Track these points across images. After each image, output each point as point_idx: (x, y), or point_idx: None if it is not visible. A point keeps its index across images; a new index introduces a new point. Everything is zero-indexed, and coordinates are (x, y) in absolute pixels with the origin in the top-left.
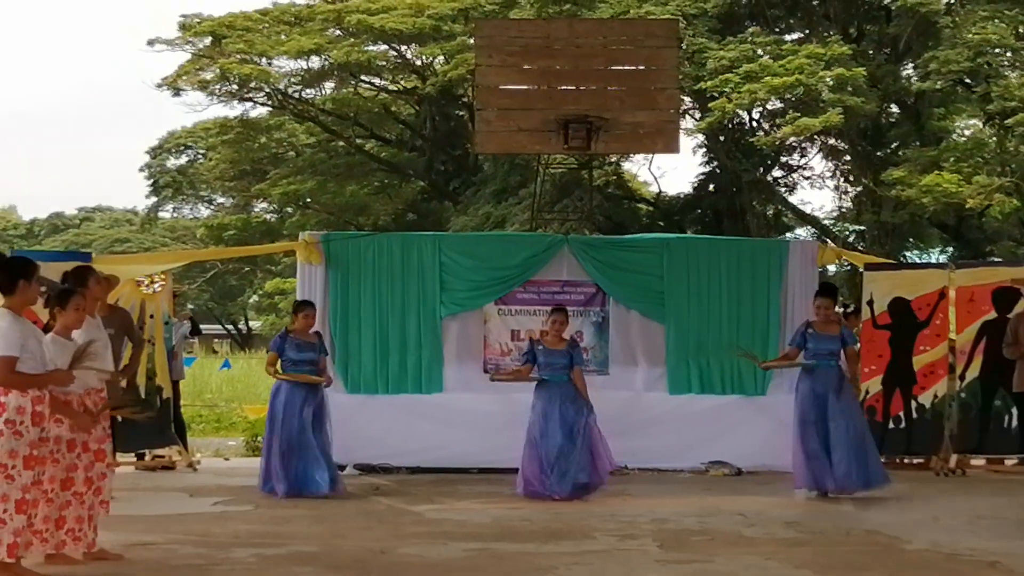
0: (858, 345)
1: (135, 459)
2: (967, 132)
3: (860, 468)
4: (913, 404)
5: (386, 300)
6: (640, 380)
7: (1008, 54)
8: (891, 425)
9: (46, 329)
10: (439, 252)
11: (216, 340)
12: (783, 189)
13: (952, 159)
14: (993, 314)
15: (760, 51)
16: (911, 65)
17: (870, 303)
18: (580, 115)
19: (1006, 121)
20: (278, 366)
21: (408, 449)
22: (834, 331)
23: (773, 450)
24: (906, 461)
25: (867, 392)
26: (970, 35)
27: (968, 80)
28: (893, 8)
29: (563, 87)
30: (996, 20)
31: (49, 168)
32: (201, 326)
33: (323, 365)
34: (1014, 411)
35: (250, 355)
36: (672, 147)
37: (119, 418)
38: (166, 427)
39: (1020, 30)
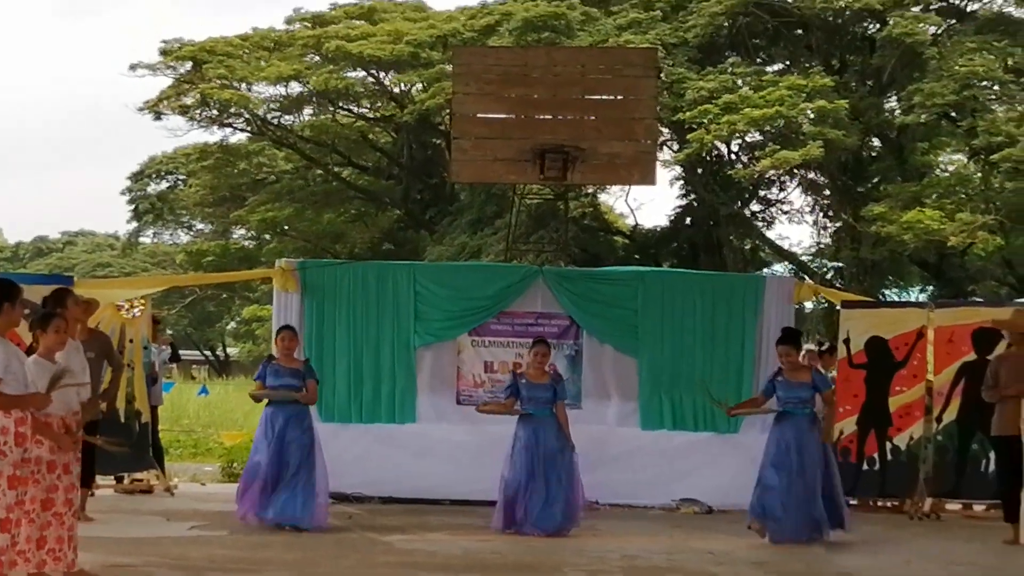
0: (832, 387)
1: (114, 482)
2: (951, 167)
3: (805, 521)
4: (888, 445)
5: (361, 329)
6: (612, 415)
7: (995, 87)
8: (865, 466)
9: (29, 351)
10: (414, 282)
11: (194, 366)
12: (761, 223)
13: (935, 195)
14: (973, 355)
15: (740, 82)
16: (895, 97)
17: (846, 341)
18: (557, 145)
19: (991, 156)
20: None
21: (381, 479)
22: (804, 378)
23: (744, 488)
24: (879, 503)
25: (841, 432)
26: (956, 67)
27: (953, 113)
28: (878, 39)
29: (540, 116)
30: (984, 52)
31: (34, 192)
32: (180, 352)
33: (310, 390)
34: (991, 455)
35: (227, 381)
36: (649, 179)
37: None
38: (145, 451)
39: (1009, 62)
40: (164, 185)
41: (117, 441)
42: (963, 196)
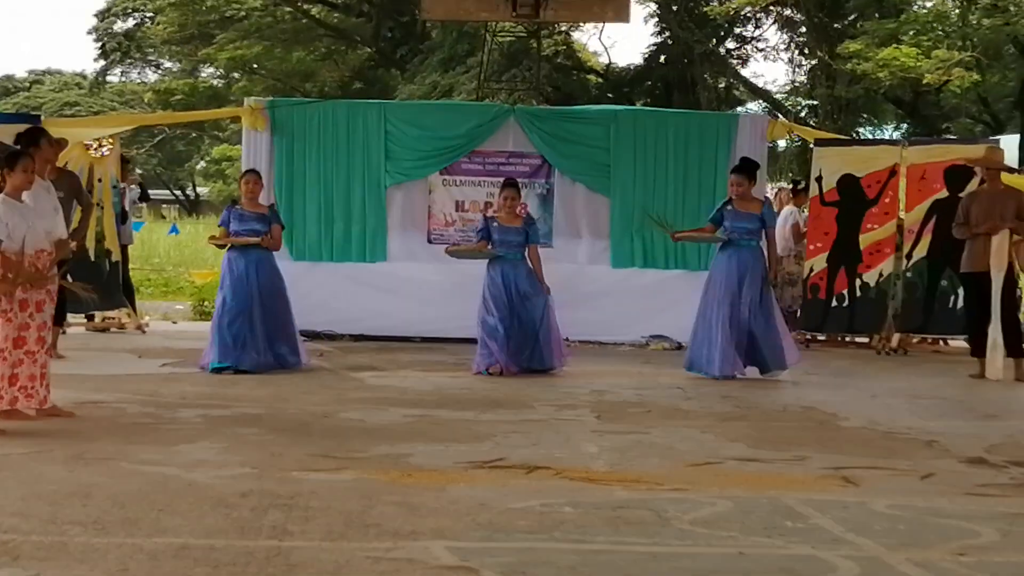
0: (791, 226)
1: (84, 320)
2: (928, 4)
3: (749, 353)
4: (858, 282)
5: (331, 168)
6: (583, 253)
7: None
8: (834, 303)
9: None
10: (384, 120)
11: (164, 206)
12: (736, 62)
13: (912, 32)
14: (944, 193)
15: None
16: None
17: (819, 179)
18: None
19: None
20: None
21: (352, 317)
22: (754, 209)
23: None
24: (848, 340)
25: (811, 269)
26: None
27: None
28: None
29: None
30: None
31: None
32: (149, 191)
33: (274, 235)
34: (959, 292)
35: (197, 220)
36: (622, 16)
37: (70, 280)
38: (115, 290)
39: None
40: (131, 23)
41: (85, 286)
42: (940, 33)
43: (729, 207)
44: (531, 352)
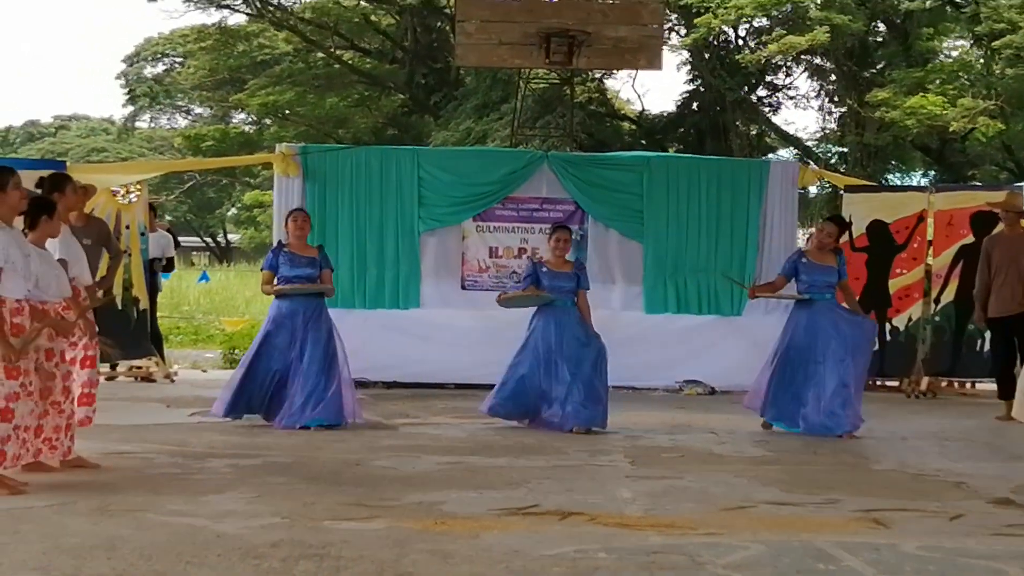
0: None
1: (109, 369)
2: (954, 53)
3: (834, 413)
4: (887, 327)
5: (364, 214)
6: (617, 298)
7: None
8: None
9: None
10: (418, 167)
11: (195, 253)
12: (767, 109)
13: (938, 81)
14: (971, 238)
15: None
16: None
17: (849, 225)
18: (562, 29)
19: (994, 43)
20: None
21: (385, 364)
22: (830, 261)
23: (747, 370)
24: (878, 383)
25: None
26: None
27: (957, 0)
28: None
29: None
30: None
31: (24, 75)
32: (180, 238)
33: (325, 280)
34: (986, 335)
35: (228, 268)
36: (655, 63)
37: (97, 329)
38: (143, 338)
39: None
40: (160, 68)
41: (106, 340)
42: (965, 82)
43: (804, 260)
44: (581, 406)
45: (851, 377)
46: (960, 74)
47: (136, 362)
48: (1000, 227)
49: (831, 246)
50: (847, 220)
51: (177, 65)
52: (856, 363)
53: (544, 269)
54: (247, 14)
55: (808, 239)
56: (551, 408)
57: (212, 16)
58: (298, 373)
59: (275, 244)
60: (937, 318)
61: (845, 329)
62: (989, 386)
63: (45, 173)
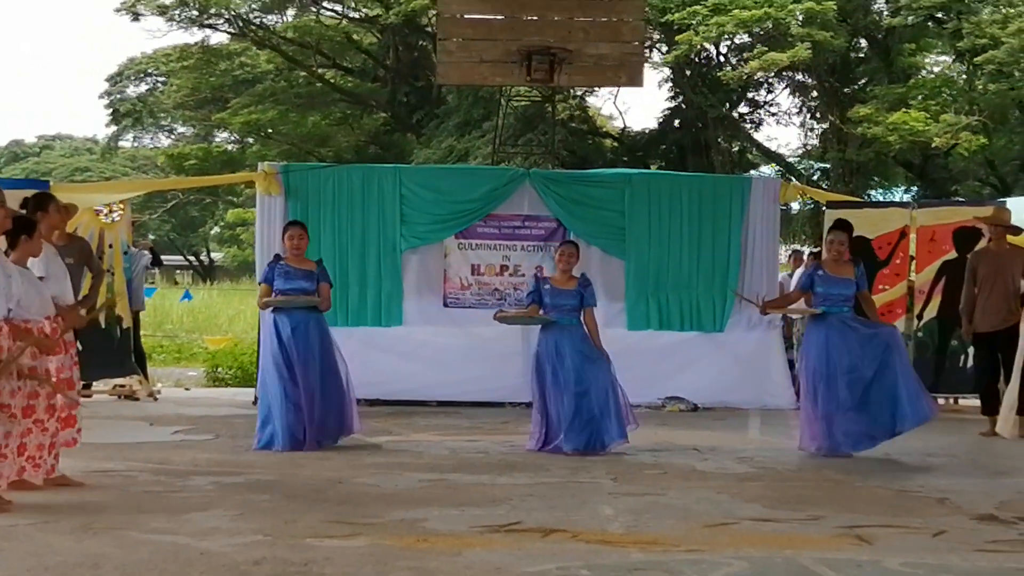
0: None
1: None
2: (936, 69)
3: (911, 403)
4: None
5: (346, 232)
6: (600, 315)
7: None
8: None
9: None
10: (400, 184)
11: (178, 271)
12: (749, 125)
13: (920, 96)
14: (954, 254)
15: None
16: None
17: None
18: (543, 46)
19: (976, 59)
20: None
21: (367, 381)
22: (848, 273)
23: (729, 386)
24: None
25: None
26: None
27: (940, 15)
28: None
29: (527, 17)
30: None
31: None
32: (163, 257)
33: (323, 294)
34: (969, 351)
35: (211, 286)
36: (636, 80)
37: (79, 347)
38: (126, 357)
39: None
40: (143, 87)
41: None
42: (948, 98)
43: (820, 272)
44: (595, 428)
45: (901, 374)
46: (942, 90)
47: (119, 380)
48: (984, 242)
49: (846, 255)
50: (849, 223)
51: (160, 84)
52: (898, 366)
53: (547, 286)
54: (229, 33)
55: (790, 257)
56: (563, 431)
57: (194, 35)
58: (300, 392)
59: (272, 257)
60: (920, 334)
61: (866, 336)
62: (972, 402)
63: (29, 193)
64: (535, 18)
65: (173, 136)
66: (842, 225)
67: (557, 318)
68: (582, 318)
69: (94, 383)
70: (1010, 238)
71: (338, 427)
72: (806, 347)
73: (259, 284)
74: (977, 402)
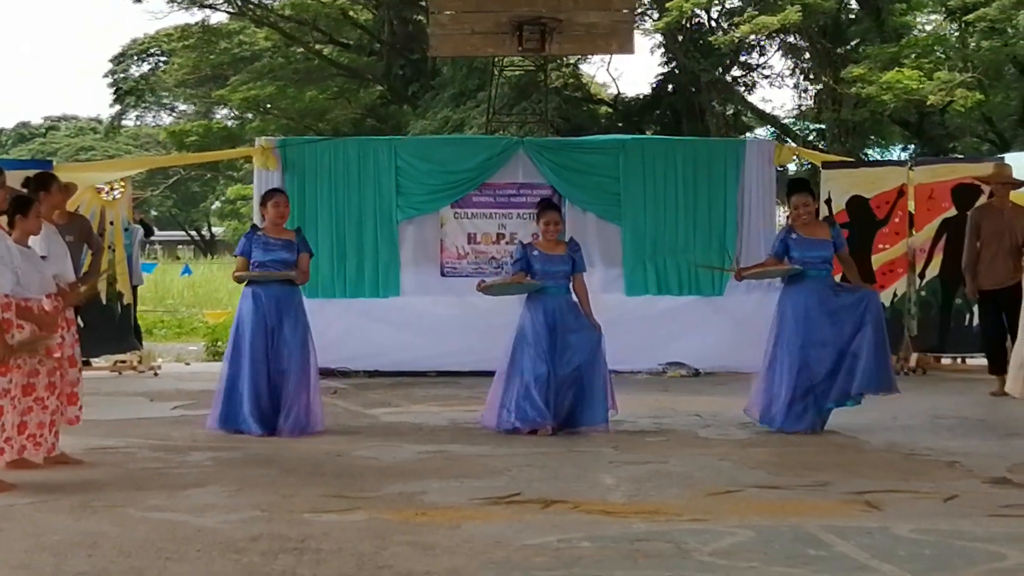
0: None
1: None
2: (928, 27)
3: (876, 370)
4: None
5: (343, 204)
6: (597, 282)
7: None
8: None
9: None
10: (395, 156)
11: (180, 247)
12: (742, 88)
13: (913, 55)
14: (953, 211)
15: None
16: None
17: (828, 202)
18: (534, 16)
19: (967, 16)
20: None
21: (365, 353)
22: (823, 234)
23: (730, 351)
24: None
25: None
26: None
27: None
28: None
29: None
30: None
31: (15, 77)
32: (165, 232)
33: (302, 265)
34: (974, 310)
35: (212, 261)
36: (627, 47)
37: (80, 324)
38: (127, 332)
39: None
40: (146, 67)
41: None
42: (941, 56)
43: (794, 236)
44: (574, 406)
45: (865, 344)
46: (935, 48)
47: (120, 356)
48: (984, 198)
49: (810, 216)
50: (807, 180)
51: (162, 64)
52: (870, 331)
53: (535, 252)
54: (228, 12)
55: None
56: (545, 405)
57: (195, 15)
58: (274, 374)
59: (249, 228)
60: (923, 293)
61: (847, 304)
62: (980, 361)
63: (32, 173)
64: None
65: (175, 114)
66: (801, 185)
67: (547, 285)
68: (571, 285)
69: (95, 359)
70: (1013, 195)
71: (304, 418)
72: (781, 309)
73: (235, 256)
74: (984, 361)
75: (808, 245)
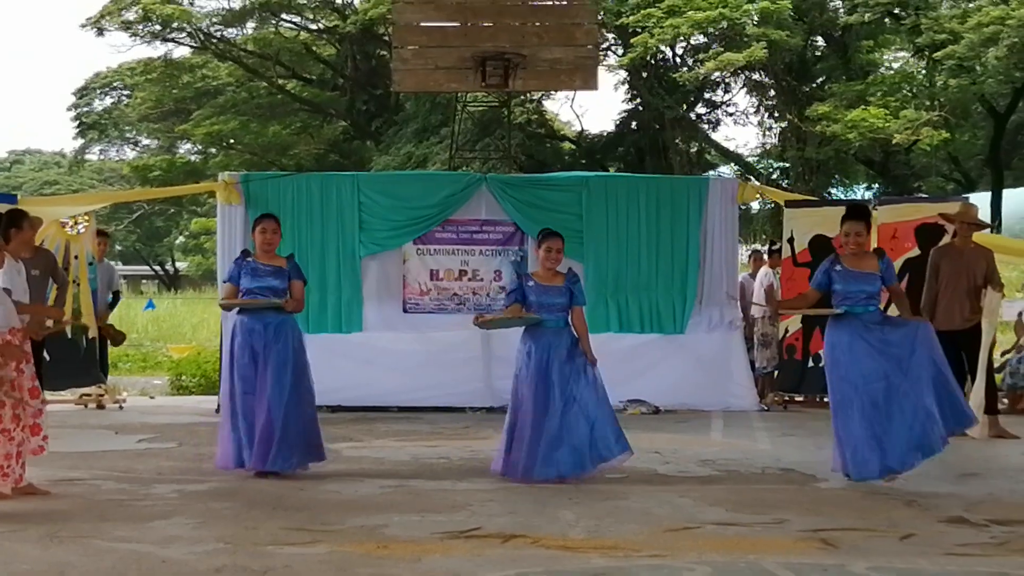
0: (767, 287)
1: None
2: (895, 65)
3: (936, 422)
4: None
5: (305, 240)
6: None
7: None
8: (811, 364)
9: None
10: (358, 192)
11: (144, 281)
12: (706, 126)
13: (879, 93)
14: (916, 251)
15: None
16: None
17: (791, 241)
18: (498, 52)
19: (935, 54)
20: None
21: (328, 388)
22: (870, 267)
23: (691, 388)
24: (826, 400)
25: (787, 330)
26: None
27: (897, 11)
28: None
29: (481, 23)
30: None
31: None
32: (129, 267)
33: (295, 293)
34: None
35: (176, 295)
36: (590, 83)
37: (46, 357)
38: (92, 366)
39: None
40: (109, 101)
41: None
42: (907, 93)
43: (838, 268)
44: (583, 449)
45: (930, 388)
46: (902, 86)
47: (86, 389)
48: (948, 239)
49: (867, 246)
50: (867, 208)
51: (125, 98)
52: (930, 369)
53: (531, 283)
54: (191, 47)
55: (751, 257)
56: (558, 451)
57: (157, 49)
58: (263, 405)
59: (240, 253)
60: None
61: (894, 339)
62: None
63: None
64: (489, 24)
65: (138, 148)
66: (857, 213)
67: (544, 318)
68: (570, 319)
69: (60, 392)
70: (975, 236)
71: (306, 449)
72: (828, 353)
73: (222, 283)
74: None
75: (853, 278)
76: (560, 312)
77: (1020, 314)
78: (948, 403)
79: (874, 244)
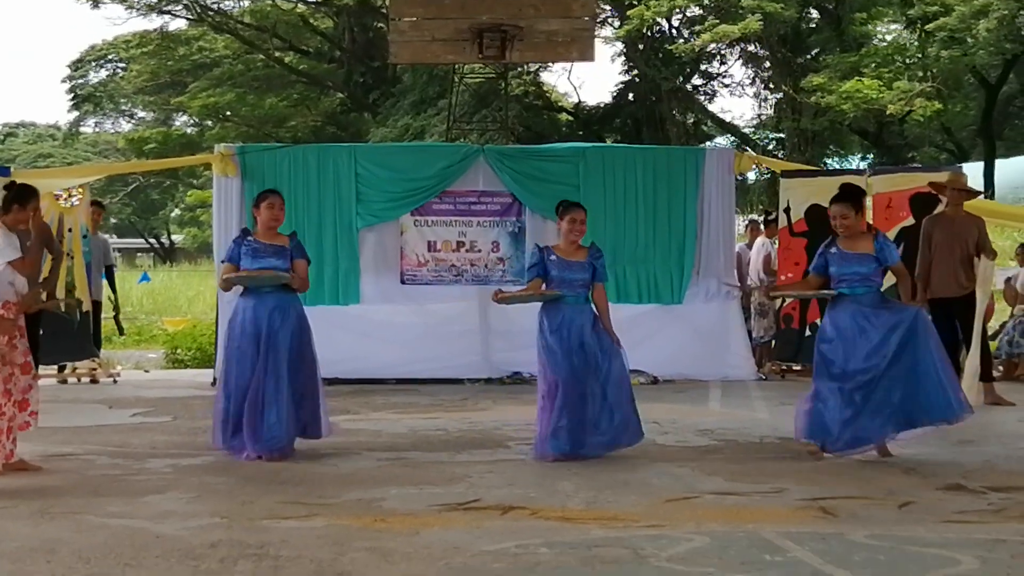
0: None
1: (56, 371)
2: (888, 37)
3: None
4: None
5: (302, 212)
6: None
7: None
8: (808, 333)
9: None
10: (355, 163)
11: (139, 254)
12: (703, 97)
13: (873, 64)
14: (911, 220)
15: None
16: None
17: (787, 210)
18: (494, 23)
19: (927, 26)
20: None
21: (325, 360)
22: (865, 248)
23: (689, 358)
24: None
25: (784, 300)
26: None
27: None
28: None
29: None
30: None
31: None
32: (124, 239)
33: (300, 272)
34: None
35: (171, 268)
36: (587, 55)
37: (40, 331)
38: (86, 340)
39: None
40: (104, 73)
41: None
42: (900, 65)
43: (833, 250)
44: (599, 427)
45: (923, 361)
46: (895, 57)
47: (79, 363)
48: (940, 208)
49: (856, 228)
50: (859, 188)
51: (120, 70)
52: (919, 347)
53: (553, 257)
54: (187, 19)
55: (748, 227)
56: (568, 432)
57: (153, 22)
58: (268, 386)
59: (239, 232)
60: None
61: (888, 323)
62: None
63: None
64: None
65: (133, 121)
66: (843, 195)
67: (564, 294)
68: (591, 295)
69: (53, 366)
70: (966, 205)
71: (313, 424)
72: (820, 331)
73: (221, 263)
74: None
75: (846, 260)
76: (581, 288)
77: (1007, 280)
78: (936, 393)
79: (870, 213)
